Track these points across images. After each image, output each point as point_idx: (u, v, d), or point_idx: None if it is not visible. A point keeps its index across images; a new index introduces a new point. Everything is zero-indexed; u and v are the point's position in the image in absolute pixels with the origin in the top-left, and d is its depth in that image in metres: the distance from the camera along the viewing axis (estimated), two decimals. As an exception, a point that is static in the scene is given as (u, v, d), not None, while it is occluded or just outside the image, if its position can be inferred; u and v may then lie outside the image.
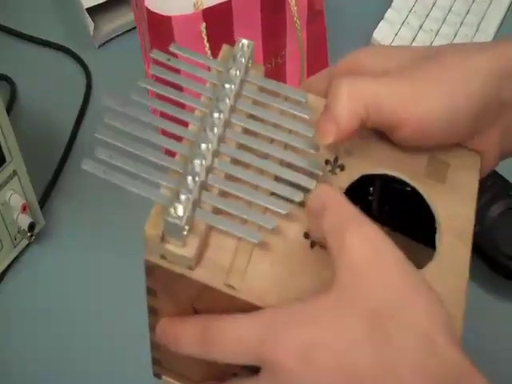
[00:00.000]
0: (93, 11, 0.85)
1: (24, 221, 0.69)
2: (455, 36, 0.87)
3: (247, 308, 0.38)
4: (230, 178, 0.41)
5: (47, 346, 0.68)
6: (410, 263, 0.37)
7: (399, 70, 0.43)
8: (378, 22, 0.88)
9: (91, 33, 0.86)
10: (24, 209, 0.68)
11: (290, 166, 0.42)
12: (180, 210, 0.38)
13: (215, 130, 0.41)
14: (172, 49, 0.45)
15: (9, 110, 0.81)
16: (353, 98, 0.41)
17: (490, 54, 0.43)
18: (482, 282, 0.71)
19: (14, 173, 0.67)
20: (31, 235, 0.70)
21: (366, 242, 0.37)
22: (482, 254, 0.69)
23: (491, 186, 0.70)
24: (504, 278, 0.70)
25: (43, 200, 0.75)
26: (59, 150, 0.79)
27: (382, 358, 0.35)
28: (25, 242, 0.72)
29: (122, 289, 0.71)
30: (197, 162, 0.40)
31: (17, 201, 0.68)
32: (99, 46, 0.89)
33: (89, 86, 0.85)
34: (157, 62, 0.44)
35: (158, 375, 0.50)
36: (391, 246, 0.37)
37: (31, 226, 0.69)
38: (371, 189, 0.47)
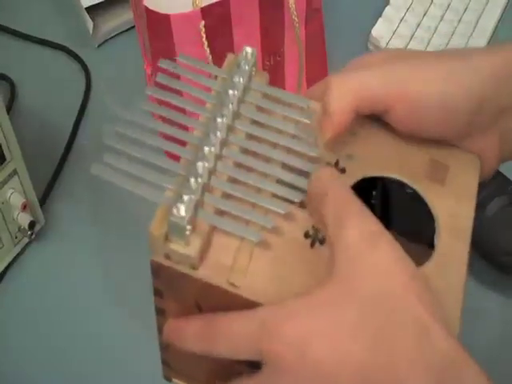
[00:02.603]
0: (92, 10, 0.85)
1: (24, 219, 0.69)
2: (453, 33, 0.88)
3: (249, 305, 0.39)
4: (232, 180, 0.42)
5: (47, 344, 0.68)
6: (406, 255, 0.38)
7: (396, 62, 0.44)
8: (376, 20, 0.89)
9: (90, 32, 0.86)
10: (24, 207, 0.69)
11: (291, 169, 0.43)
12: (182, 210, 0.39)
13: (218, 133, 0.42)
14: (180, 59, 0.46)
15: (8, 109, 0.81)
16: (341, 91, 0.43)
17: (491, 57, 0.43)
18: (480, 277, 0.71)
19: (15, 171, 0.67)
20: (31, 233, 0.70)
21: (364, 233, 0.38)
22: (480, 250, 0.69)
23: (490, 182, 0.70)
24: (502, 273, 0.71)
25: (43, 199, 0.76)
26: (59, 149, 0.80)
27: (378, 346, 0.36)
28: (25, 240, 0.72)
29: (122, 287, 0.71)
30: (199, 164, 0.41)
31: (17, 199, 0.68)
32: (98, 45, 0.89)
33: (88, 85, 0.85)
34: (163, 70, 0.46)
35: (167, 377, 0.51)
36: (388, 238, 0.38)
37: (31, 225, 0.69)
38: (374, 192, 0.48)
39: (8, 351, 0.68)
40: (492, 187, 0.70)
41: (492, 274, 0.71)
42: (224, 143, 0.43)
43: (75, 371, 0.67)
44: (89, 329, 0.69)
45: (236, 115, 0.44)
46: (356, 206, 0.39)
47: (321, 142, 0.44)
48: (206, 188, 0.41)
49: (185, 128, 0.44)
